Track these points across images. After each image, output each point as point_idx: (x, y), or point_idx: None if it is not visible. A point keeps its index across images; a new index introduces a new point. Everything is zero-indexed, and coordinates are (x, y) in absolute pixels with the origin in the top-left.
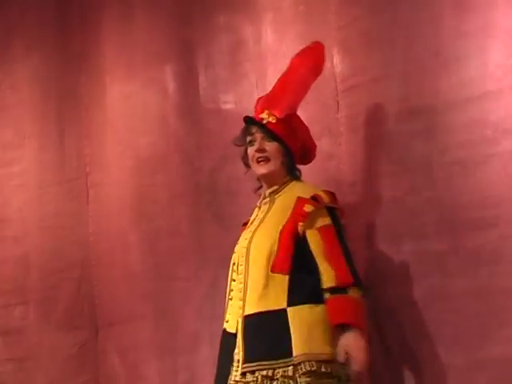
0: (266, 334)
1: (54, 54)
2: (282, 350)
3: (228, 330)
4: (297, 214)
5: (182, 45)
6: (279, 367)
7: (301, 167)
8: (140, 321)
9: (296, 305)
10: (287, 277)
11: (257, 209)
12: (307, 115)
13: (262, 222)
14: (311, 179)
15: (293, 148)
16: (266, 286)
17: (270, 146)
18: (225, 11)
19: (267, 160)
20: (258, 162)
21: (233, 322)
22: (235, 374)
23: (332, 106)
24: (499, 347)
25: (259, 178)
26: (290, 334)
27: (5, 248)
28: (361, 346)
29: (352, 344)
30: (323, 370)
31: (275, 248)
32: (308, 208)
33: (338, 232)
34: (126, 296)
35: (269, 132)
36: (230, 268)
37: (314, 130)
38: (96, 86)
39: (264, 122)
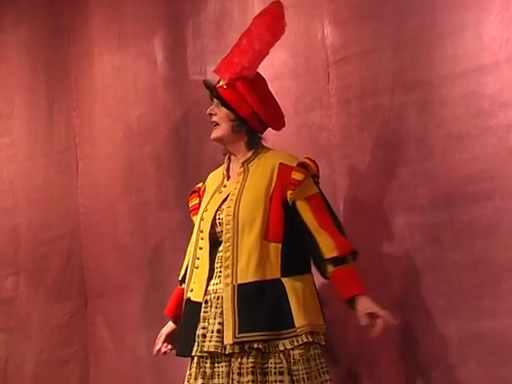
0: (267, 304)
1: (43, 26)
2: (284, 321)
3: (193, 299)
4: (285, 182)
5: (171, 16)
6: (282, 338)
7: (291, 140)
8: (129, 292)
9: (290, 275)
10: (280, 245)
11: (221, 177)
12: (298, 87)
13: (241, 189)
14: (302, 151)
15: (242, 114)
16: (262, 254)
17: (220, 111)
18: None
19: (216, 125)
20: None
21: (199, 291)
22: (208, 344)
23: (323, 77)
24: (493, 319)
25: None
26: (289, 304)
27: None
28: (378, 306)
29: (373, 306)
30: (316, 340)
31: (267, 215)
32: (297, 176)
33: (325, 201)
34: (115, 267)
35: (218, 97)
36: (195, 235)
37: (304, 102)
38: (85, 57)
39: (218, 86)
